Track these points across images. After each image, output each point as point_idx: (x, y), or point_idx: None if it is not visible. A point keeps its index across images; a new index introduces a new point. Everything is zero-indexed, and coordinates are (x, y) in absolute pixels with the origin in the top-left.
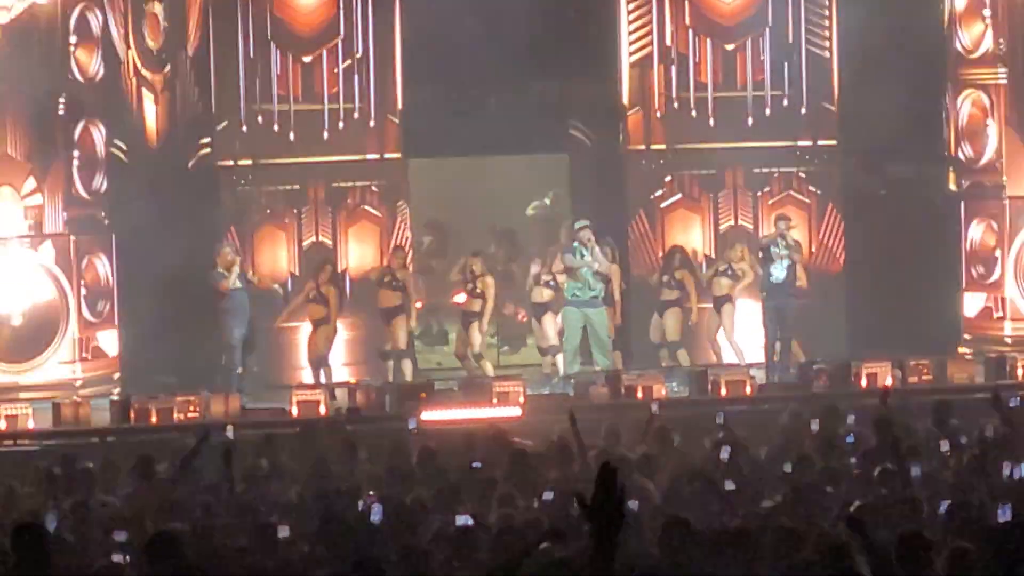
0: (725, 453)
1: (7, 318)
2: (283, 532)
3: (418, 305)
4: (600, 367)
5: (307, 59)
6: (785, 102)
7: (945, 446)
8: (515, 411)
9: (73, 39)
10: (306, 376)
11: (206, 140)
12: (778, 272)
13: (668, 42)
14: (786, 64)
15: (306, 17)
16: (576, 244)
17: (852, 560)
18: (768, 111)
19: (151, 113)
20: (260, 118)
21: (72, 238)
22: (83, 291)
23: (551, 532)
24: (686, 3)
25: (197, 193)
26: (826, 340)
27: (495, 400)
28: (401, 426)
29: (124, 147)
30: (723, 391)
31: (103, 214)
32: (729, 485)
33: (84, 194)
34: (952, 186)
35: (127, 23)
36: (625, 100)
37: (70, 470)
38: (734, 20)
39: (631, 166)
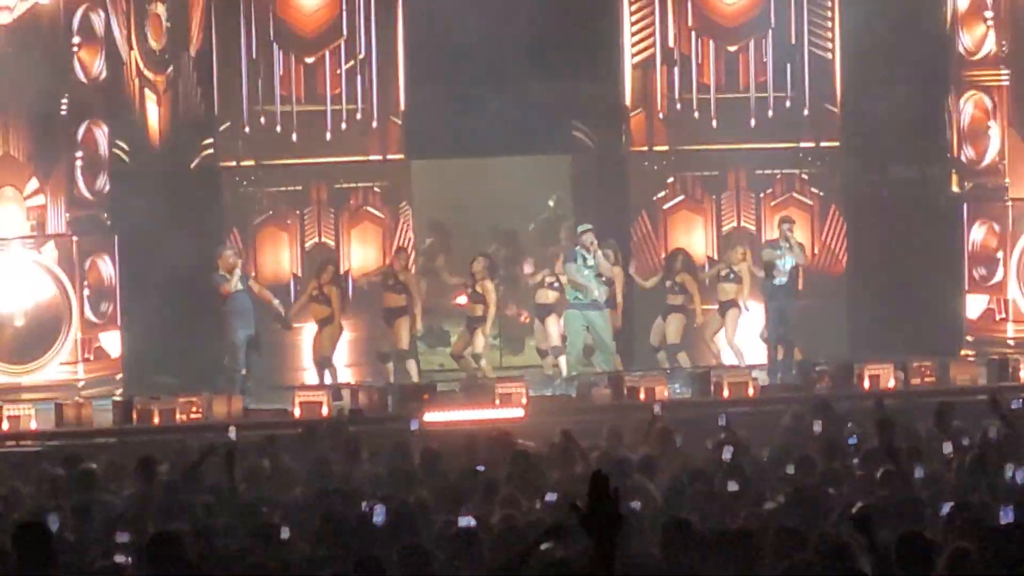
0: (727, 454)
1: (10, 319)
2: (284, 533)
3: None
4: (602, 369)
5: (310, 60)
6: (787, 103)
7: (948, 448)
8: (518, 412)
9: (76, 40)
10: (308, 377)
11: (208, 141)
12: (781, 275)
13: (671, 43)
14: (788, 65)
15: (309, 18)
16: (578, 248)
17: (854, 561)
18: (771, 112)
19: (154, 114)
20: (263, 119)
21: (75, 239)
22: (86, 292)
23: (553, 532)
24: (688, 4)
25: (200, 194)
26: (828, 341)
27: (497, 401)
28: (403, 427)
29: (127, 148)
30: (725, 392)
31: (106, 215)
32: (732, 486)
33: (87, 195)
34: (954, 188)
35: (130, 24)
36: (628, 101)
37: (72, 471)
38: (736, 21)
39: (634, 167)
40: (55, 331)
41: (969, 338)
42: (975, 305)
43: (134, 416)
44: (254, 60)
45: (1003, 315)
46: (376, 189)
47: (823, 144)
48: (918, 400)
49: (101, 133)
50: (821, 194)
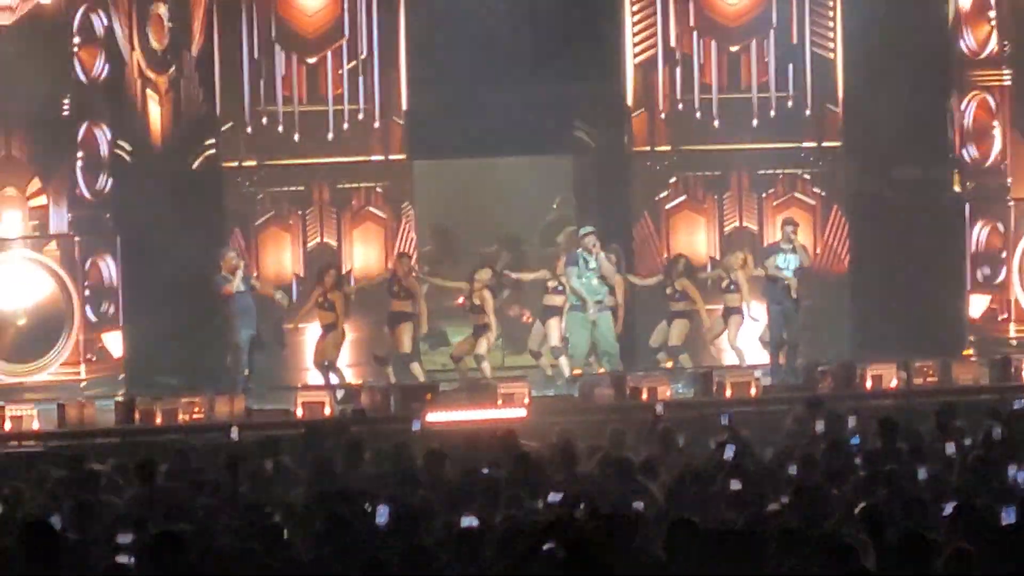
0: (729, 453)
1: (12, 319)
2: (287, 534)
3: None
4: (607, 366)
5: (312, 60)
6: (790, 104)
7: (950, 448)
8: (520, 412)
9: (77, 40)
10: (311, 377)
11: (210, 141)
12: (784, 275)
13: (672, 43)
14: (791, 66)
15: (311, 18)
16: (580, 251)
17: (857, 561)
18: (773, 113)
19: (155, 114)
20: (264, 119)
21: (76, 239)
22: (87, 292)
23: (555, 533)
24: (690, 4)
25: (202, 194)
26: (831, 342)
27: (500, 401)
28: (406, 427)
29: (128, 148)
30: (728, 392)
31: (107, 215)
32: (735, 485)
33: (88, 195)
34: (957, 188)
35: (131, 24)
36: (630, 101)
37: (74, 471)
38: (738, 21)
39: (636, 167)
40: (57, 331)
41: (971, 338)
42: (977, 305)
43: (136, 416)
44: (256, 60)
45: (1005, 315)
46: (378, 189)
47: (825, 144)
48: (921, 400)
49: (102, 133)
50: (823, 194)
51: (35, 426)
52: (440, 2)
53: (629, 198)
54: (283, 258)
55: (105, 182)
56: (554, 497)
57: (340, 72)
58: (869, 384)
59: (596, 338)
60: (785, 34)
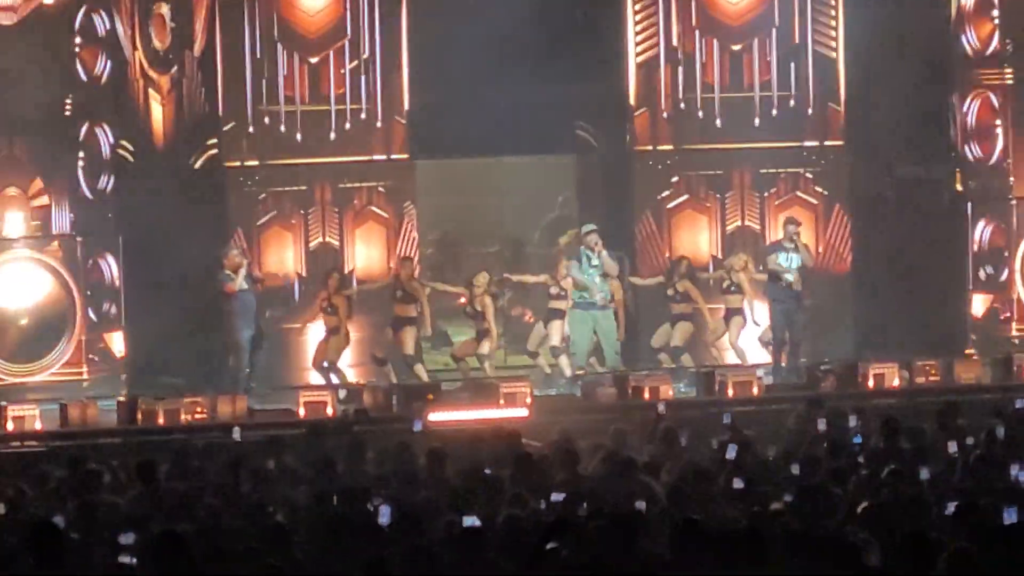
0: (731, 452)
1: (14, 319)
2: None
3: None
4: (610, 365)
5: (314, 60)
6: (792, 103)
7: (952, 447)
8: (522, 412)
9: (79, 40)
10: (313, 377)
11: (213, 141)
12: (787, 276)
13: (675, 43)
14: (793, 65)
15: (313, 18)
16: (583, 248)
17: (860, 560)
18: (775, 112)
19: (157, 114)
20: (267, 119)
21: (78, 239)
22: (89, 292)
23: (557, 532)
24: (692, 4)
25: (204, 194)
26: (833, 341)
27: (502, 401)
28: (408, 427)
29: (130, 148)
30: (730, 392)
31: (109, 215)
32: (737, 484)
33: (90, 195)
34: (959, 187)
35: (134, 24)
36: (632, 101)
37: (77, 471)
38: (741, 21)
39: (638, 167)
40: (59, 331)
41: (974, 337)
42: (980, 304)
43: (138, 417)
44: (258, 60)
45: (1008, 314)
46: (380, 189)
47: (827, 143)
48: (923, 399)
49: (104, 133)
50: (825, 193)
51: (37, 426)
52: (442, 2)
53: (631, 197)
54: (285, 258)
55: (107, 182)
56: (556, 497)
57: (342, 72)
58: (871, 383)
59: (599, 336)
60: (787, 33)
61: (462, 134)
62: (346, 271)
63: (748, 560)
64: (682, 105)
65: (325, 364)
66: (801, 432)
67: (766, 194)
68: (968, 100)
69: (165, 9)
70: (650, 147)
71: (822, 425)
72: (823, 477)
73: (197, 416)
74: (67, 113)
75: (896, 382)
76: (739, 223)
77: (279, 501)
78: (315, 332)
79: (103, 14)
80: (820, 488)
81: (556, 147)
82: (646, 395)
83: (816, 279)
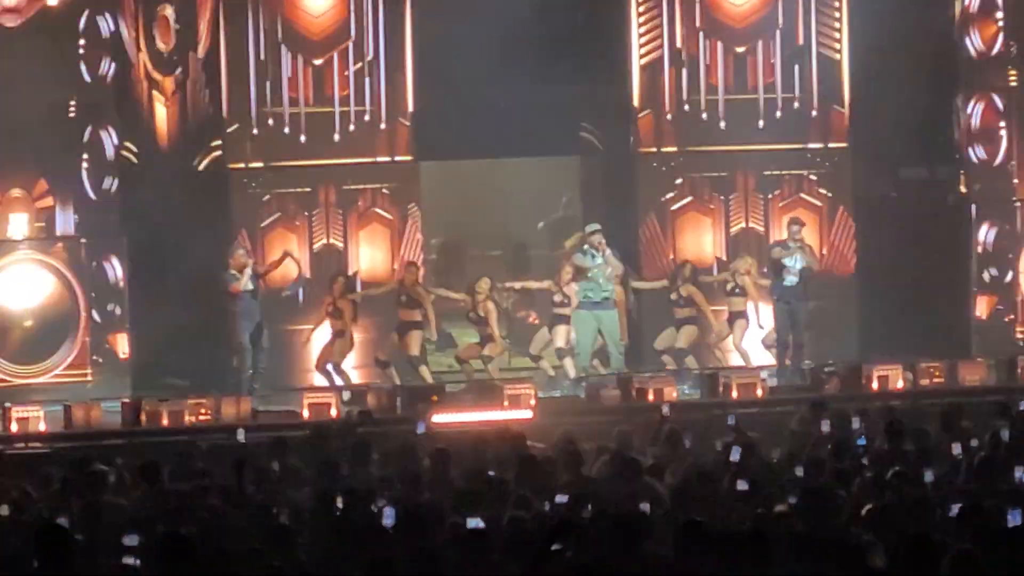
0: (735, 454)
1: (18, 320)
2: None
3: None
4: (614, 367)
5: (318, 62)
6: (796, 104)
7: (956, 449)
8: (526, 414)
9: (83, 42)
10: (318, 378)
11: (217, 143)
12: (791, 275)
13: (678, 44)
14: (797, 67)
15: (317, 20)
16: (587, 247)
17: (865, 562)
18: (779, 113)
19: (162, 115)
20: (271, 120)
21: (83, 241)
22: (94, 294)
23: (562, 534)
24: (696, 5)
25: (208, 196)
26: (837, 343)
27: (506, 403)
28: (413, 429)
29: (135, 150)
30: (734, 394)
31: (114, 217)
32: (741, 486)
33: (94, 197)
34: (963, 189)
35: (138, 25)
36: (636, 102)
37: (81, 473)
38: (744, 22)
39: (642, 168)
40: (63, 333)
41: (978, 339)
42: (984, 306)
43: (143, 418)
44: (262, 62)
45: (1012, 316)
46: (384, 190)
47: (831, 145)
48: (927, 401)
49: (109, 135)
50: (830, 195)
51: (42, 427)
52: (446, 3)
53: (635, 199)
54: (289, 259)
55: (111, 184)
56: (561, 498)
57: (346, 73)
58: (876, 385)
59: (604, 336)
60: (791, 35)
61: (466, 136)
62: (350, 273)
63: (752, 562)
64: (686, 107)
65: (329, 366)
66: (805, 434)
67: (770, 196)
68: (972, 102)
69: (169, 11)
70: (654, 149)
71: (826, 427)
72: (827, 479)
73: (201, 417)
74: (71, 115)
75: (900, 384)
76: (743, 225)
77: (283, 503)
78: (319, 333)
79: (107, 16)
80: (824, 490)
81: (560, 149)
82: (650, 397)
83: (820, 281)
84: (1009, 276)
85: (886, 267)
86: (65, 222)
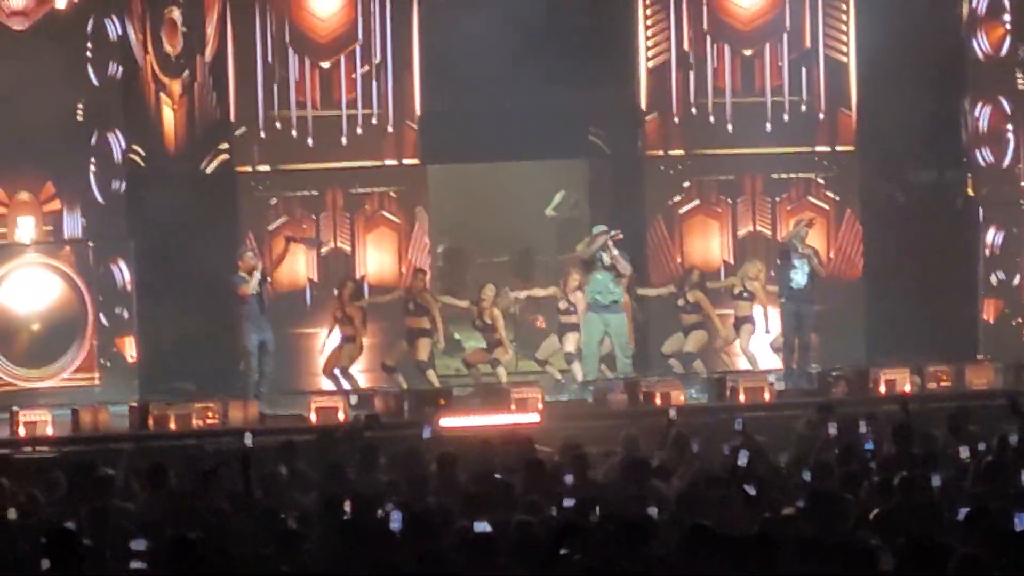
0: (743, 458)
1: (26, 324)
2: (301, 539)
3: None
4: (621, 371)
5: (325, 65)
6: (803, 107)
7: (964, 452)
8: (533, 418)
9: (90, 45)
10: (325, 382)
11: (224, 146)
12: (799, 277)
13: (686, 47)
14: (804, 69)
15: (324, 23)
16: (600, 247)
17: (873, 566)
18: (786, 116)
19: (169, 119)
20: (278, 124)
21: (90, 244)
22: (101, 297)
23: (570, 537)
24: (703, 8)
25: (215, 199)
26: (845, 346)
27: (513, 407)
28: (420, 433)
29: (142, 153)
30: (741, 397)
31: (121, 220)
32: (748, 490)
33: (102, 200)
34: (971, 192)
35: (145, 29)
36: (643, 106)
37: (89, 477)
38: (752, 25)
39: (649, 172)
40: (71, 336)
41: (986, 342)
42: (991, 309)
43: (150, 422)
44: (270, 65)
45: (1019, 319)
46: (392, 194)
47: (839, 148)
48: (934, 404)
49: (116, 138)
50: (837, 198)
51: (49, 431)
52: (453, 6)
53: (643, 202)
54: (297, 263)
55: (119, 187)
56: (568, 502)
57: (354, 76)
58: (883, 389)
59: (611, 339)
60: (798, 38)
61: (473, 139)
62: (357, 276)
63: (760, 566)
64: (693, 110)
65: (336, 371)
66: (811, 437)
67: (778, 199)
68: (979, 105)
69: (177, 14)
70: (661, 152)
71: (833, 430)
72: (835, 483)
73: (209, 421)
74: (79, 118)
75: (907, 387)
76: (750, 228)
77: (291, 507)
78: (330, 339)
79: (115, 19)
80: (832, 494)
81: (568, 152)
82: (657, 401)
83: (827, 284)
84: (1017, 279)
85: (893, 270)
86: (73, 225)
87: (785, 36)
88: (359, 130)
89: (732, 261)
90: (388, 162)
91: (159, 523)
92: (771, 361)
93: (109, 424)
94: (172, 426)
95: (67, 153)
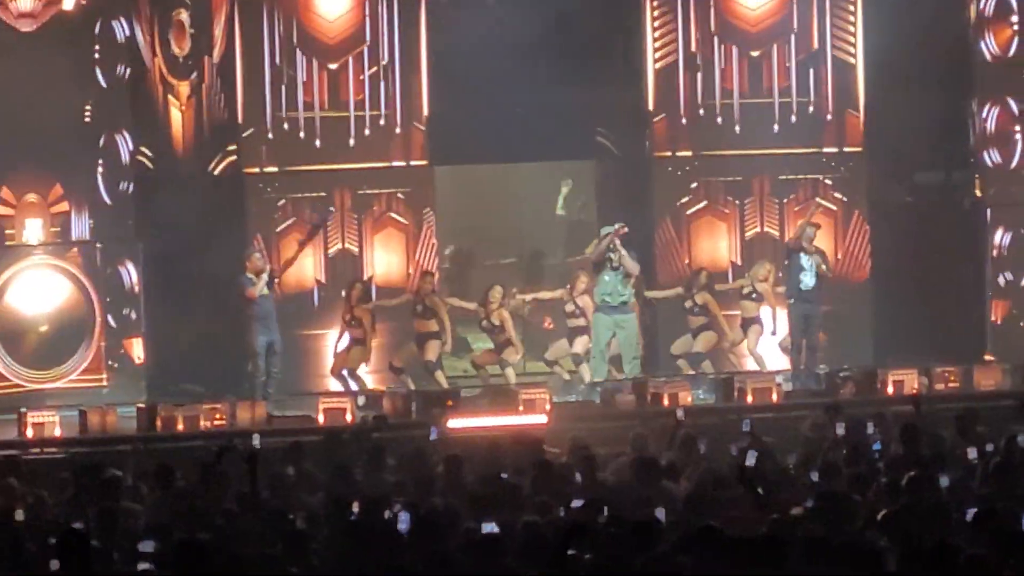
0: (751, 459)
1: (33, 325)
2: (308, 540)
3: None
4: (628, 373)
5: (333, 66)
6: (811, 108)
7: (972, 453)
8: (541, 419)
9: (98, 47)
10: (333, 383)
11: (232, 147)
12: (807, 278)
13: (693, 48)
14: (811, 70)
15: (332, 24)
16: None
17: (881, 567)
18: (794, 118)
19: (177, 120)
20: (286, 125)
21: (98, 245)
22: (109, 299)
23: (578, 538)
24: (711, 10)
25: (223, 200)
26: (852, 347)
27: (521, 408)
28: (427, 434)
29: (150, 154)
30: (749, 398)
31: (129, 222)
32: (756, 490)
33: (110, 202)
34: (979, 193)
35: (153, 31)
36: (651, 107)
37: (97, 478)
38: (759, 27)
39: (657, 173)
40: (79, 338)
41: (993, 343)
42: (999, 310)
43: (158, 423)
44: (277, 66)
45: None
46: (400, 195)
47: (846, 149)
48: (942, 405)
49: (124, 140)
50: (844, 199)
51: (57, 433)
52: (461, 7)
53: (650, 203)
54: (305, 264)
55: (127, 188)
56: (576, 503)
57: (361, 78)
58: (891, 390)
59: (619, 340)
60: (806, 39)
61: (481, 140)
62: (365, 277)
63: (768, 566)
64: (701, 111)
65: (344, 372)
66: (820, 438)
67: (785, 200)
68: (987, 106)
69: (185, 16)
70: (669, 153)
71: (841, 431)
72: (842, 484)
73: (216, 423)
74: (87, 120)
75: (915, 388)
76: (758, 230)
77: (298, 508)
78: (332, 339)
79: (123, 21)
80: (839, 494)
81: (575, 153)
82: (665, 402)
83: (835, 285)
84: None
85: (901, 271)
86: (80, 227)
87: (793, 37)
88: (367, 131)
89: (740, 262)
90: (396, 163)
91: (167, 524)
92: (779, 362)
93: (117, 425)
94: (180, 427)
95: (75, 155)
